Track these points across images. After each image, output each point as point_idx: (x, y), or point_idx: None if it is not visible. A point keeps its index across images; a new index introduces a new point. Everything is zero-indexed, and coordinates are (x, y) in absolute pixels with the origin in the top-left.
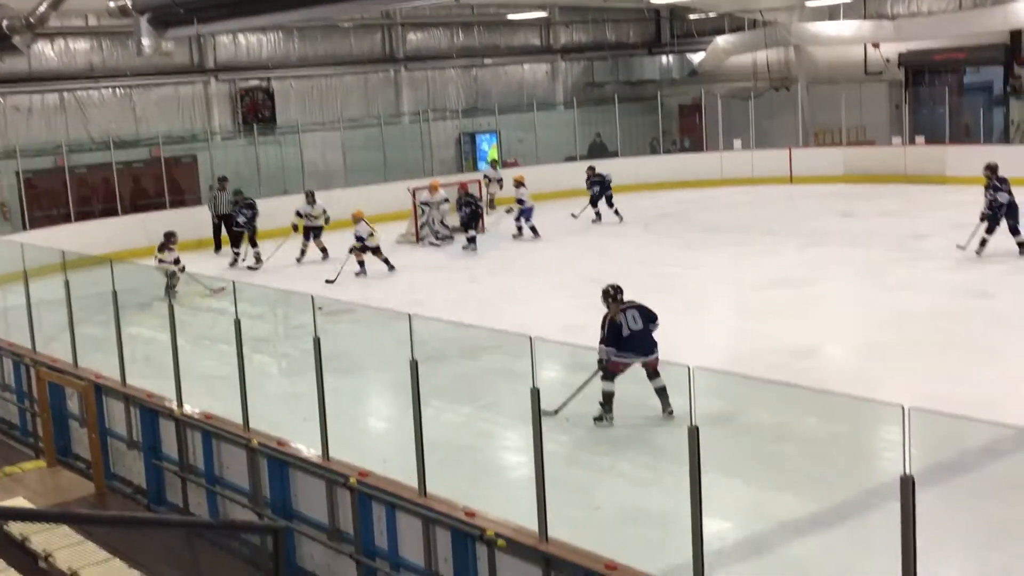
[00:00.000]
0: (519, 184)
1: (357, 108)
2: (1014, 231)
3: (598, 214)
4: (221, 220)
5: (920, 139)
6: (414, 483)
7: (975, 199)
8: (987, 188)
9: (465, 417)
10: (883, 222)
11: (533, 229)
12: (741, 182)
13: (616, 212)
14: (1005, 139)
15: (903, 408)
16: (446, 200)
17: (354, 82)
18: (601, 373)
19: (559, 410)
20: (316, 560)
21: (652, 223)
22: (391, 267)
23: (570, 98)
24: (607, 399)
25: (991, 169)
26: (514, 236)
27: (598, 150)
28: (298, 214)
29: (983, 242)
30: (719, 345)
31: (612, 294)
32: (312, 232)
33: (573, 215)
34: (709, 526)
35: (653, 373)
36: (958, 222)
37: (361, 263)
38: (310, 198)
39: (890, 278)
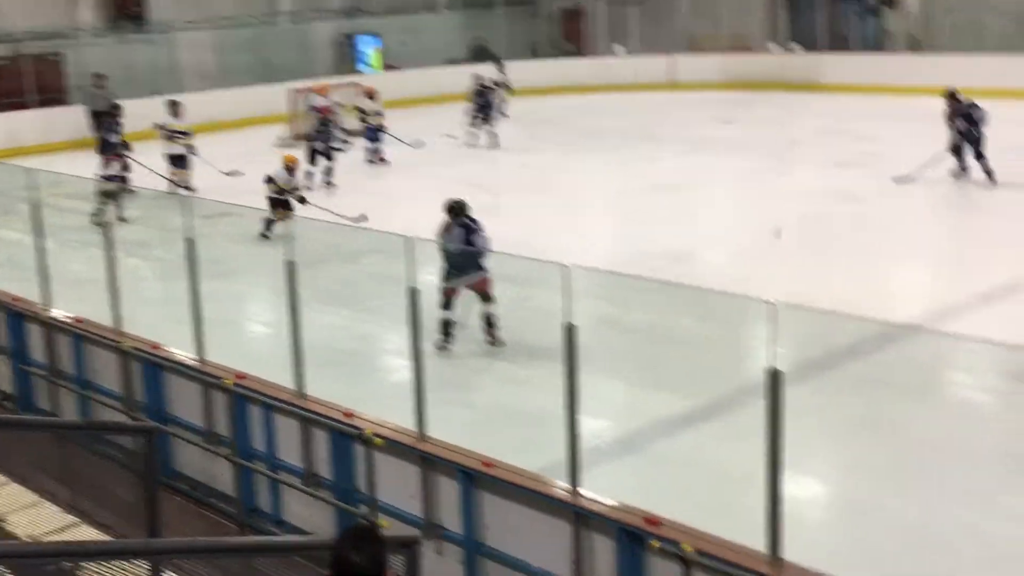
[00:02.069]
0: (371, 96)
1: (233, 6)
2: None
3: (474, 131)
4: (97, 118)
5: (797, 47)
6: (292, 385)
7: (847, 106)
8: (950, 118)
9: (346, 320)
10: (760, 129)
11: (376, 152)
12: (623, 88)
13: (490, 133)
14: (878, 48)
15: (771, 303)
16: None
17: None
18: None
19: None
20: (193, 464)
21: (534, 129)
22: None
23: (454, 1)
24: (444, 327)
25: (951, 98)
26: (370, 161)
27: (480, 54)
28: (159, 128)
29: (990, 171)
30: (599, 249)
31: (451, 208)
32: (176, 159)
33: (451, 136)
34: (587, 424)
35: (483, 296)
36: (833, 129)
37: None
38: (173, 109)
39: (766, 183)
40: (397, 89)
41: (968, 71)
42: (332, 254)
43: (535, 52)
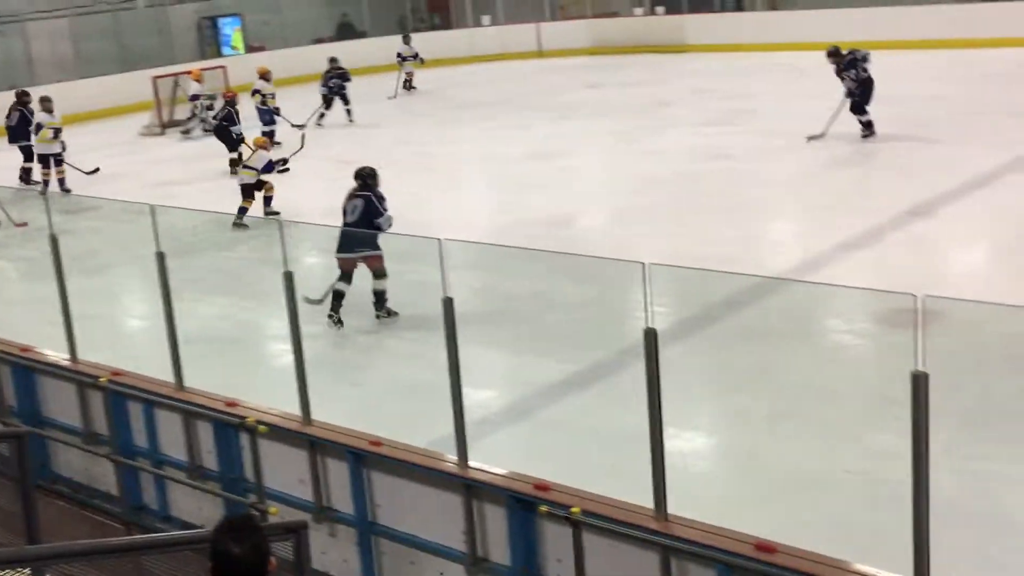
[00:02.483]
0: (263, 76)
1: None
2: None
3: (322, 115)
4: None
5: (660, 9)
6: (171, 379)
7: (711, 65)
8: (840, 75)
9: (224, 308)
10: (629, 92)
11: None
12: (492, 58)
13: (349, 112)
14: (739, 7)
15: (643, 264)
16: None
17: None
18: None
19: (323, 299)
20: (73, 466)
21: (406, 103)
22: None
23: None
24: (335, 296)
25: (834, 55)
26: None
27: (346, 30)
28: (39, 127)
29: (868, 124)
30: (478, 219)
31: (360, 176)
32: (49, 158)
33: (295, 124)
34: (473, 396)
35: (375, 273)
36: (699, 88)
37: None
38: (46, 105)
39: (639, 146)
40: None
41: (822, 25)
42: (208, 242)
43: (402, 26)
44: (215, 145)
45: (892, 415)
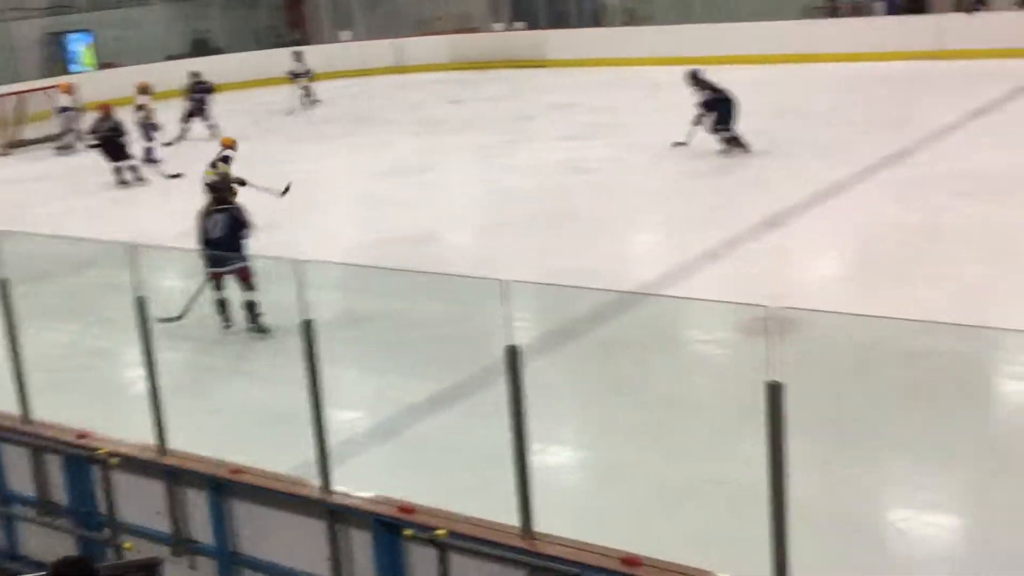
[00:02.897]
0: (144, 91)
1: None
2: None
3: (184, 130)
4: None
5: (520, 24)
6: (16, 410)
7: (571, 80)
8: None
9: (75, 336)
10: (490, 107)
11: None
12: (352, 74)
13: (211, 126)
14: (597, 22)
15: (500, 282)
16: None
17: None
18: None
19: (182, 316)
20: None
21: (263, 120)
22: None
23: None
24: (219, 305)
25: (692, 76)
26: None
27: (201, 47)
28: None
29: (730, 140)
30: (340, 237)
31: (211, 190)
32: None
33: (168, 143)
34: (338, 417)
35: (244, 285)
36: (559, 103)
37: None
38: None
39: (501, 160)
40: (116, 87)
41: (677, 40)
42: (56, 267)
43: (258, 41)
44: (64, 166)
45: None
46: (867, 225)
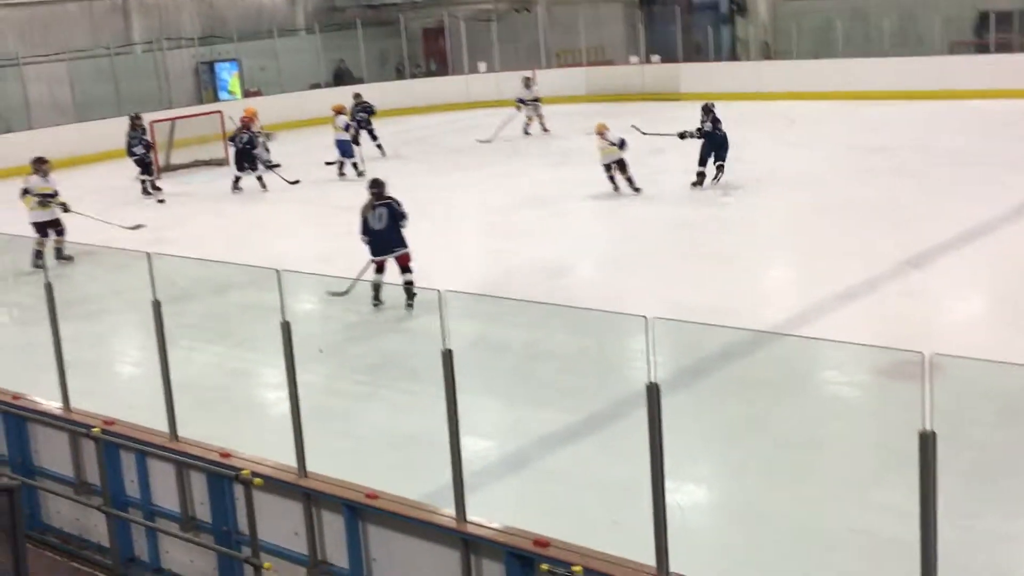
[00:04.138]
0: (339, 112)
1: (84, 38)
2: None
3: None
4: None
5: (656, 58)
6: (165, 428)
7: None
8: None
9: (218, 356)
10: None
11: (355, 165)
12: (487, 105)
13: (379, 146)
14: (733, 56)
15: (646, 318)
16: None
17: (79, 10)
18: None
19: (347, 291)
20: (63, 516)
21: (401, 149)
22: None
23: (311, 23)
24: (374, 289)
25: (706, 109)
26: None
27: (343, 76)
28: (25, 192)
29: (700, 175)
30: (473, 268)
31: (371, 188)
32: (50, 224)
33: (328, 163)
34: (469, 446)
35: (403, 268)
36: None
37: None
38: (40, 167)
39: (634, 195)
40: (261, 115)
41: (816, 75)
42: (200, 288)
43: (398, 72)
44: (206, 191)
45: (894, 470)
46: (1013, 268)
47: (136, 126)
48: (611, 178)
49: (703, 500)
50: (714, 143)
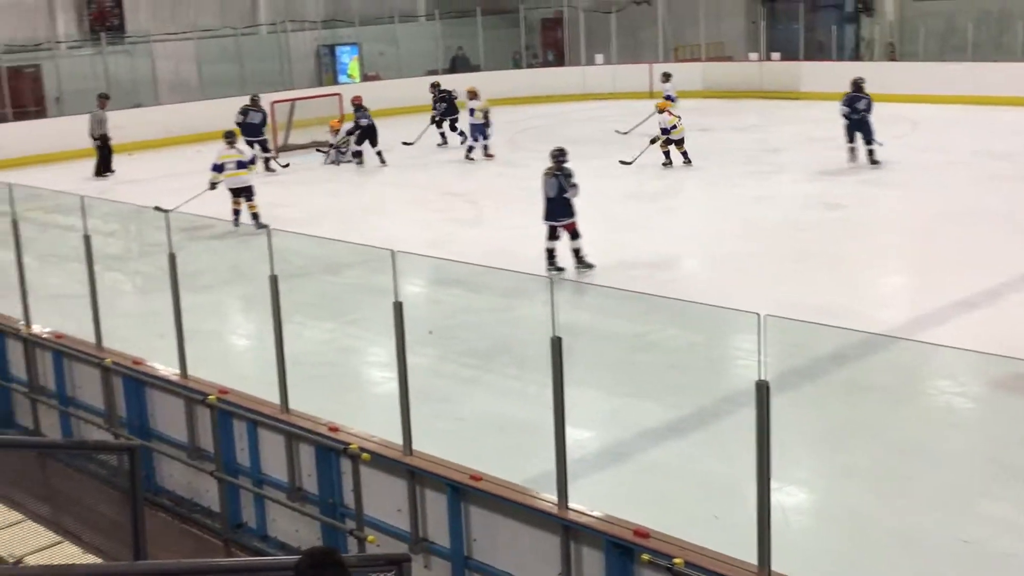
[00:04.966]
0: (473, 95)
1: (212, 17)
2: (867, 142)
3: (443, 135)
4: (100, 140)
5: (776, 55)
6: (276, 399)
7: (827, 115)
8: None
9: (328, 333)
10: (740, 136)
11: (485, 148)
12: (603, 97)
13: (460, 133)
14: (856, 56)
15: (759, 315)
16: (350, 132)
17: None
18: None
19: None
20: (176, 479)
21: (514, 137)
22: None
23: (432, 10)
24: (549, 253)
25: (853, 85)
26: (468, 157)
27: (460, 64)
28: (217, 168)
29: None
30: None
31: (552, 155)
32: (241, 191)
33: (407, 143)
34: (571, 435)
35: (572, 235)
36: (812, 136)
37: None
38: (230, 139)
39: (746, 191)
40: (378, 99)
41: (942, 78)
42: (313, 266)
43: (515, 61)
44: (321, 172)
45: (1006, 484)
46: None
47: (255, 106)
48: (667, 152)
49: (806, 502)
50: (852, 124)
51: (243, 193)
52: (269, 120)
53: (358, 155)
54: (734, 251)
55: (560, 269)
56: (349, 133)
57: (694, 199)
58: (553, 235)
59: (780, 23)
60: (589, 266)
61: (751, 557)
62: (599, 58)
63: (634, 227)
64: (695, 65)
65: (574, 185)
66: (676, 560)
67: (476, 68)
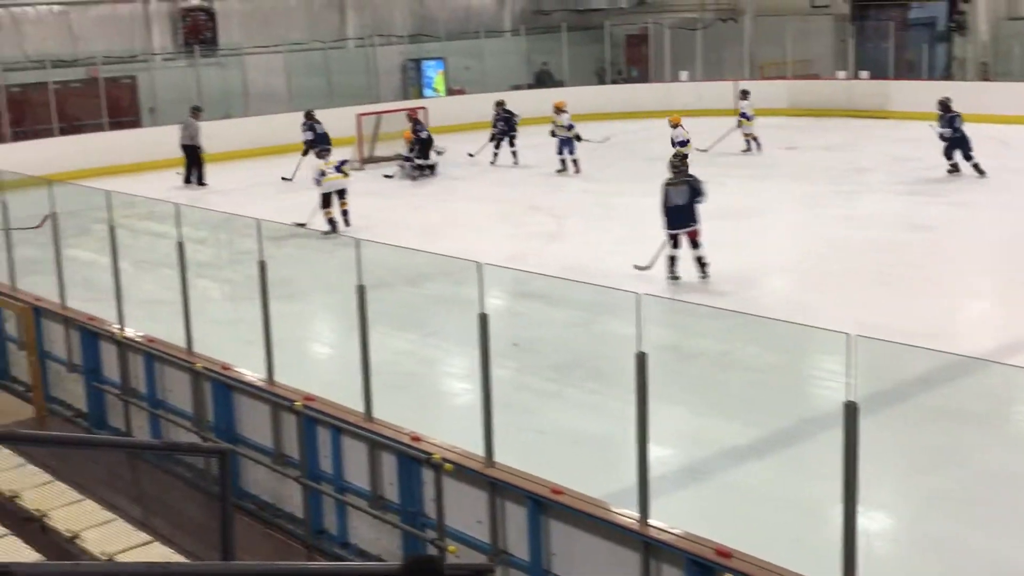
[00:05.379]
0: (560, 110)
1: (301, 31)
2: (967, 158)
3: (495, 154)
4: (190, 150)
5: (865, 74)
6: (359, 408)
7: (917, 134)
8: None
9: (410, 344)
10: (826, 155)
11: (575, 162)
12: (687, 113)
13: (514, 154)
14: (947, 75)
15: (848, 336)
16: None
17: (298, 4)
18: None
19: (650, 266)
20: (260, 483)
21: (596, 153)
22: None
23: (517, 26)
24: (670, 261)
25: (941, 104)
26: (559, 171)
27: (544, 79)
28: (321, 175)
29: (953, 167)
30: (662, 275)
31: (674, 164)
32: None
33: (470, 154)
34: (652, 452)
35: (693, 243)
36: (900, 156)
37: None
38: (321, 152)
39: (832, 210)
40: (462, 113)
41: None
42: (395, 277)
43: (599, 77)
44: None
45: None
46: None
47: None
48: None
49: (890, 528)
50: (952, 143)
51: (342, 194)
52: (354, 133)
53: (421, 169)
54: (819, 271)
55: (677, 278)
56: (410, 150)
57: (780, 218)
58: (676, 243)
59: (870, 41)
60: (706, 275)
61: None
62: (683, 75)
63: (718, 245)
64: (780, 83)
65: (703, 192)
66: None
67: (560, 83)
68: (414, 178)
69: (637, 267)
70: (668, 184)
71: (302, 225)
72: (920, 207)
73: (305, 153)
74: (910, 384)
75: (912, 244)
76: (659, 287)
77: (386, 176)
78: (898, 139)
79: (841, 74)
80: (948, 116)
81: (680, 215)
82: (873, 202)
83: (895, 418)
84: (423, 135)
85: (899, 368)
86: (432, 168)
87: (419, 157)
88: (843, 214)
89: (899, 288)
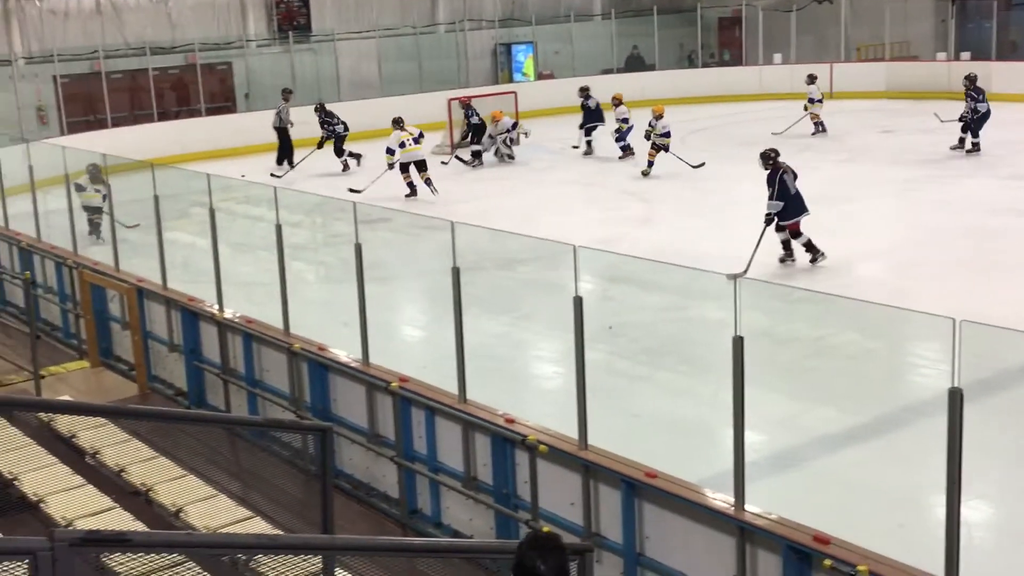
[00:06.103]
0: (618, 102)
1: (392, 17)
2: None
3: (589, 143)
4: (282, 132)
5: (966, 55)
6: (452, 389)
7: (1018, 117)
8: (967, 97)
9: (502, 327)
10: (924, 139)
11: (625, 148)
12: (780, 97)
13: (588, 143)
14: None
15: (954, 321)
16: (512, 127)
17: None
18: (775, 227)
19: (745, 272)
20: (355, 463)
21: (688, 137)
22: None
23: (608, 9)
24: (785, 245)
25: (970, 80)
26: (620, 157)
27: (635, 63)
28: (390, 151)
29: (975, 145)
30: (757, 260)
31: (774, 156)
32: (413, 164)
33: (575, 147)
34: (747, 438)
35: (795, 233)
36: (1001, 139)
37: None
38: (399, 123)
39: (928, 195)
40: (552, 98)
41: None
42: (487, 261)
43: (692, 60)
44: (495, 169)
45: None
46: None
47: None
48: (651, 161)
49: (992, 518)
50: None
51: (421, 166)
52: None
53: (477, 155)
54: (916, 258)
55: (795, 260)
56: (464, 136)
57: (876, 203)
58: (798, 232)
59: (971, 21)
60: (823, 256)
61: (936, 569)
62: (777, 57)
63: (812, 231)
64: (878, 65)
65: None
66: (860, 568)
67: (651, 67)
68: (472, 164)
69: (730, 276)
70: (784, 172)
71: (358, 191)
72: (1020, 192)
73: (320, 146)
74: (1013, 372)
75: (1013, 230)
76: (753, 274)
77: (443, 163)
78: (1000, 122)
79: (941, 56)
80: (976, 89)
81: (800, 202)
82: (974, 187)
83: (997, 407)
84: (474, 120)
85: (1001, 356)
86: (478, 156)
87: (473, 143)
88: (939, 199)
89: (998, 276)
